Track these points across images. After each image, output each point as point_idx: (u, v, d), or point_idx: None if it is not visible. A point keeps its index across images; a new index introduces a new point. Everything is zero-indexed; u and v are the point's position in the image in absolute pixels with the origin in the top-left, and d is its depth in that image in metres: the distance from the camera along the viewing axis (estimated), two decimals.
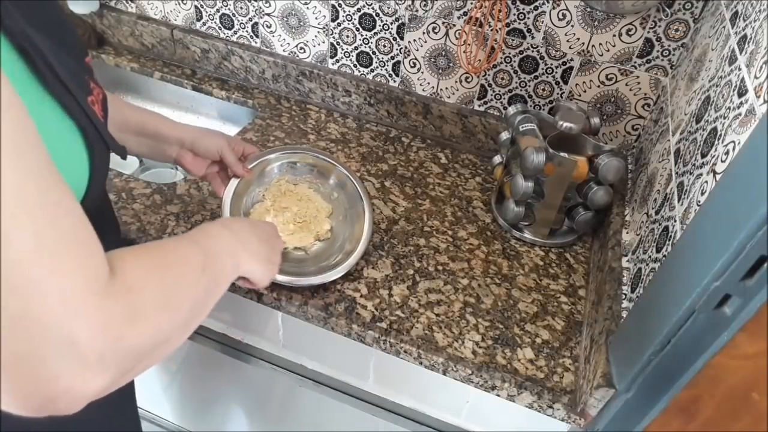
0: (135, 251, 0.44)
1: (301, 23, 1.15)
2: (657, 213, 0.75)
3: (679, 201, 0.67)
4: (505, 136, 1.00)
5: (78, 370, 0.35)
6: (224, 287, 0.54)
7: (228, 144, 0.80)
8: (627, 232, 0.86)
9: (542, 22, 0.99)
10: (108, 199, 0.66)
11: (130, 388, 0.76)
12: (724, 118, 0.62)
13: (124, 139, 0.75)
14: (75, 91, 0.44)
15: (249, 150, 0.84)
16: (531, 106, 1.10)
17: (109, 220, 0.64)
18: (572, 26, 0.98)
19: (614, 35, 0.97)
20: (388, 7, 1.07)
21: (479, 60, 1.04)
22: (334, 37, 1.15)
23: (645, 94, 1.01)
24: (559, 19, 0.98)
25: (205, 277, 0.48)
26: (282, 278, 0.75)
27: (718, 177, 0.58)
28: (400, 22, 1.08)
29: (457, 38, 1.06)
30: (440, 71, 1.12)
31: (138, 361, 0.41)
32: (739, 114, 0.59)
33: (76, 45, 0.52)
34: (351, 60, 1.17)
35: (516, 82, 1.08)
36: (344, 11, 1.10)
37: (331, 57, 1.18)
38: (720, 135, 0.62)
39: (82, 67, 0.51)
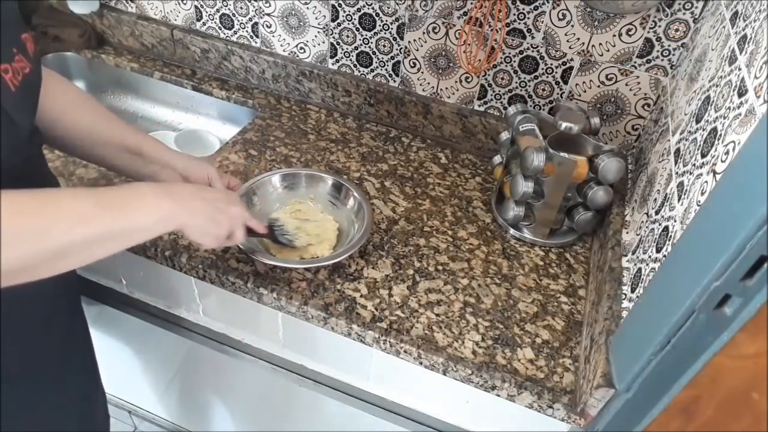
0: (4, 193, 0.47)
1: (301, 23, 1.15)
2: (657, 213, 0.75)
3: (679, 201, 0.67)
4: (505, 136, 1.00)
5: None
6: (139, 236, 0.58)
7: (217, 172, 0.83)
8: (627, 232, 0.86)
9: (542, 22, 0.99)
10: (39, 171, 0.67)
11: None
12: (724, 118, 0.63)
13: (117, 156, 0.77)
14: None
15: (233, 183, 0.86)
16: (531, 106, 1.10)
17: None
18: (572, 26, 0.98)
19: (614, 35, 0.97)
20: (388, 7, 1.07)
21: (479, 60, 1.04)
22: (334, 37, 1.15)
23: (645, 94, 1.01)
24: (559, 19, 0.98)
25: (86, 225, 0.52)
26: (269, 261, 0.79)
27: (718, 177, 0.58)
28: (400, 22, 1.08)
29: (457, 38, 1.06)
30: (440, 71, 1.12)
31: None
32: (739, 114, 0.59)
33: (9, 17, 0.53)
34: (351, 60, 1.17)
35: (516, 82, 1.08)
36: (344, 11, 1.10)
37: (331, 57, 1.18)
38: (720, 135, 0.62)
39: (10, 37, 0.53)
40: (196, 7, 1.22)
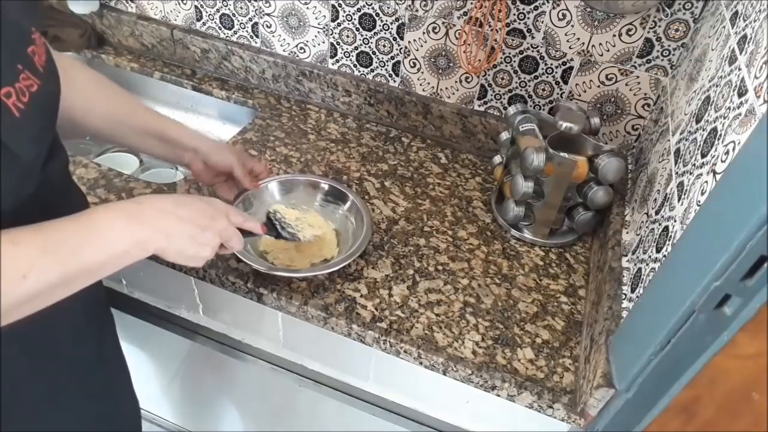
0: None
1: (301, 23, 1.15)
2: (657, 213, 0.75)
3: (679, 201, 0.67)
4: (505, 136, 1.00)
5: None
6: (107, 269, 0.54)
7: (238, 160, 0.83)
8: (627, 232, 0.86)
9: (542, 22, 0.99)
10: (60, 195, 0.63)
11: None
12: (724, 118, 0.63)
13: (142, 141, 0.77)
14: None
15: (258, 168, 0.87)
16: (531, 106, 1.10)
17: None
18: (572, 26, 0.98)
19: (614, 35, 0.97)
20: (388, 7, 1.07)
21: (479, 60, 1.04)
22: (334, 37, 1.15)
23: (645, 94, 1.01)
24: (559, 19, 0.98)
25: (29, 281, 0.47)
26: (265, 269, 0.79)
27: (718, 177, 0.58)
28: (400, 22, 1.08)
29: (457, 38, 1.06)
30: (440, 71, 1.12)
31: None
32: (739, 114, 0.59)
33: (12, 30, 0.49)
34: (351, 60, 1.17)
35: (516, 82, 1.08)
36: (344, 11, 1.10)
37: (331, 57, 1.18)
38: (720, 135, 0.62)
39: (14, 54, 0.49)
40: (196, 7, 1.22)
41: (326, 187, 0.93)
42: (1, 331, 0.48)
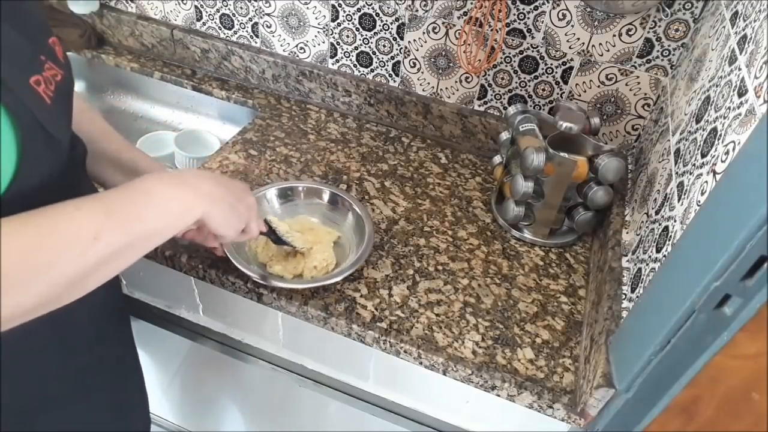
0: (7, 224, 0.42)
1: (301, 23, 1.15)
2: (657, 213, 0.75)
3: (679, 201, 0.67)
4: (505, 136, 1.00)
5: None
6: (158, 238, 0.54)
7: None
8: (627, 232, 0.86)
9: (542, 22, 0.99)
10: (81, 184, 0.63)
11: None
12: (724, 118, 0.63)
13: (110, 171, 0.73)
14: (6, 71, 0.44)
15: None
16: (531, 106, 1.10)
17: None
18: (572, 26, 0.98)
19: (614, 35, 0.97)
20: (388, 7, 1.07)
21: (479, 60, 1.04)
22: (334, 37, 1.15)
23: (645, 94, 1.01)
24: (559, 19, 0.98)
25: (99, 244, 0.47)
26: (280, 284, 0.78)
27: (718, 177, 0.58)
28: (400, 22, 1.08)
29: (457, 38, 1.06)
30: (440, 71, 1.12)
31: (21, 317, 0.44)
32: (739, 114, 0.59)
33: (34, 22, 0.50)
34: (351, 60, 1.17)
35: (516, 82, 1.08)
36: (344, 11, 1.10)
37: (331, 57, 1.18)
38: (720, 135, 0.62)
39: (37, 45, 0.50)
40: (196, 7, 1.22)
41: (327, 195, 0.92)
42: (38, 321, 0.48)
